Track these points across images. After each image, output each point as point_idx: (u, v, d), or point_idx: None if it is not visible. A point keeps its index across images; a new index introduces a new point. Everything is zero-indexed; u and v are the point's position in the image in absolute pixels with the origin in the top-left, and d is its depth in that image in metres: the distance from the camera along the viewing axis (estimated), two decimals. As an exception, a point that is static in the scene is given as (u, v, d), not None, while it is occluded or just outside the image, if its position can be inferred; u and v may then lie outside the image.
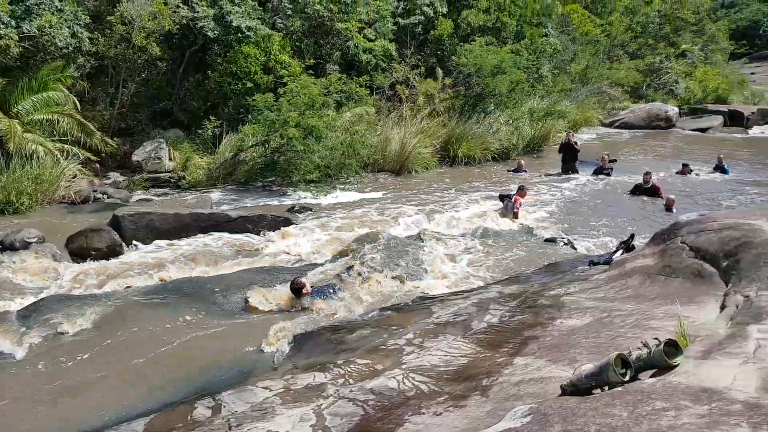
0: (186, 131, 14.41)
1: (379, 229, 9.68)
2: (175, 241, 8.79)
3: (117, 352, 5.44)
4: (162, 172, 12.99)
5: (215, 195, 12.07)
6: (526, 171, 14.85)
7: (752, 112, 26.72)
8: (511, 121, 17.77)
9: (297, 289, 6.61)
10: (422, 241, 8.87)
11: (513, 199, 10.65)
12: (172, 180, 12.90)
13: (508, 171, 15.10)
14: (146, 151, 13.12)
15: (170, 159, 13.32)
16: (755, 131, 24.88)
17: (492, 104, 17.92)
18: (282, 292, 6.60)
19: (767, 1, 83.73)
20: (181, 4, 13.67)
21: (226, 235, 8.94)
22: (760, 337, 2.79)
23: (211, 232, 8.99)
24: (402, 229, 9.85)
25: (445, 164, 15.88)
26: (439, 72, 18.47)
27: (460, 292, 6.48)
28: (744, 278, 3.72)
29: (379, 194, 12.51)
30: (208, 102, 14.57)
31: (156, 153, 13.09)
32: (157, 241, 8.78)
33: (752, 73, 56.72)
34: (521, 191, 10.86)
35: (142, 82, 14.53)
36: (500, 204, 11.08)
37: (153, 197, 12.07)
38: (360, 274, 7.16)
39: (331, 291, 6.83)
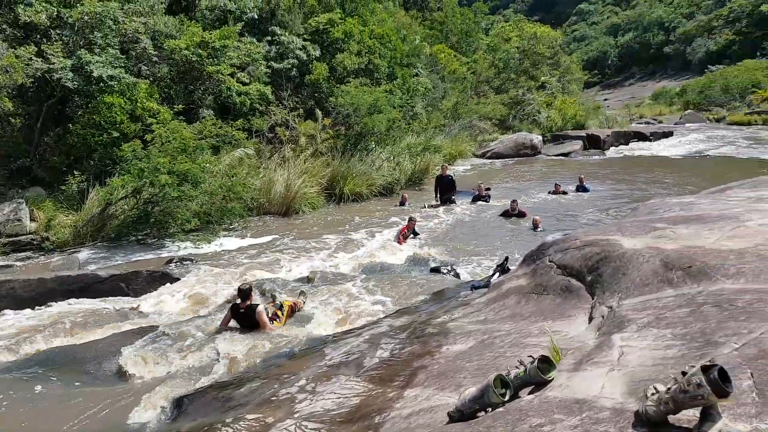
0: (48, 189, 13.29)
1: (267, 273, 9.45)
2: (40, 309, 7.99)
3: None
4: (23, 235, 11.85)
5: (83, 254, 11.19)
6: (409, 206, 15.23)
7: (608, 135, 29.62)
8: (392, 158, 18.34)
9: (245, 292, 6.48)
10: (312, 282, 8.77)
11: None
12: (34, 242, 11.79)
13: (394, 206, 15.41)
14: (4, 213, 11.96)
15: (32, 219, 12.20)
16: (611, 152, 27.63)
17: (372, 142, 18.39)
18: (163, 351, 6.18)
19: (613, 35, 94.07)
20: (34, 56, 12.75)
21: (95, 298, 8.27)
22: (623, 345, 2.95)
23: (80, 296, 8.28)
24: (291, 270, 9.66)
25: (332, 202, 15.97)
26: (319, 113, 18.70)
27: (352, 329, 6.40)
28: (607, 290, 3.95)
29: (266, 238, 12.22)
30: (71, 156, 13.58)
31: (15, 214, 11.95)
32: (19, 311, 7.93)
33: (605, 99, 63.35)
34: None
35: (-6, 140, 13.30)
36: (386, 238, 11.35)
37: (14, 263, 10.97)
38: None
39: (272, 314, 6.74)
